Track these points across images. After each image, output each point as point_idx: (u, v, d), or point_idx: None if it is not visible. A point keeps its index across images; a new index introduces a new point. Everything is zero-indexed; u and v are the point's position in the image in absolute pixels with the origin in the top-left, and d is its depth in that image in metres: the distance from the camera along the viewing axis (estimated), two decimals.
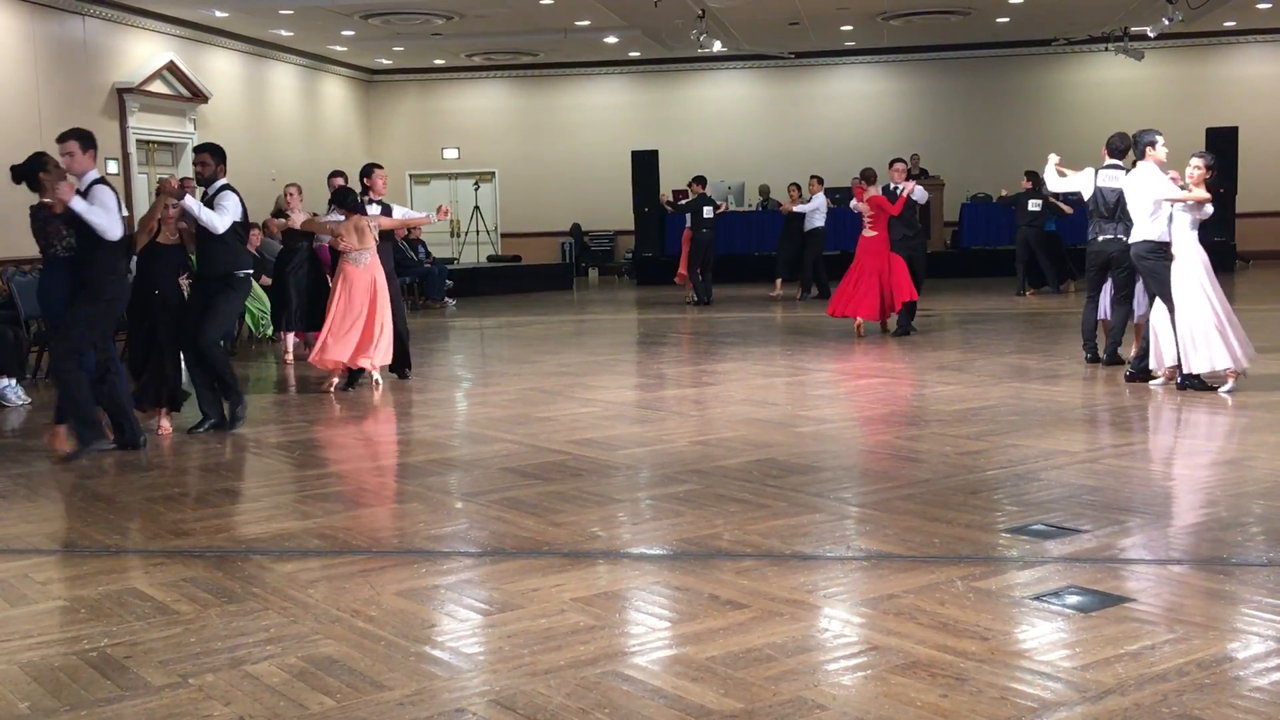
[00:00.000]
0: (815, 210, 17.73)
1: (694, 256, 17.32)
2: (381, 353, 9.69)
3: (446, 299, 18.73)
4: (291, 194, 12.04)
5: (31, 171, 7.46)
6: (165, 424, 8.02)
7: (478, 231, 23.98)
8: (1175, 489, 5.79)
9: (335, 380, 9.83)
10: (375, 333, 9.61)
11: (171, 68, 17.30)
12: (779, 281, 18.17)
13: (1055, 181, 10.31)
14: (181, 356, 8.06)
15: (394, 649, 3.88)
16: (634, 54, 23.60)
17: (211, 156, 8.25)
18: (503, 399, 9.26)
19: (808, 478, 6.21)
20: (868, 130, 23.54)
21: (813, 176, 18.16)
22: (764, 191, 22.89)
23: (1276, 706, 3.28)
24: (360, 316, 9.57)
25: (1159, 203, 8.76)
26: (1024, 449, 6.98)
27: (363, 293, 9.60)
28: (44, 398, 10.02)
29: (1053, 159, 10.24)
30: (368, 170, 10.33)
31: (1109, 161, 9.77)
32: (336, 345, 9.53)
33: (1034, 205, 17.12)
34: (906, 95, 24.28)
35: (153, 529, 5.55)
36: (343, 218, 9.86)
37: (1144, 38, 19.98)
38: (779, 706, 3.35)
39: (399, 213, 10.68)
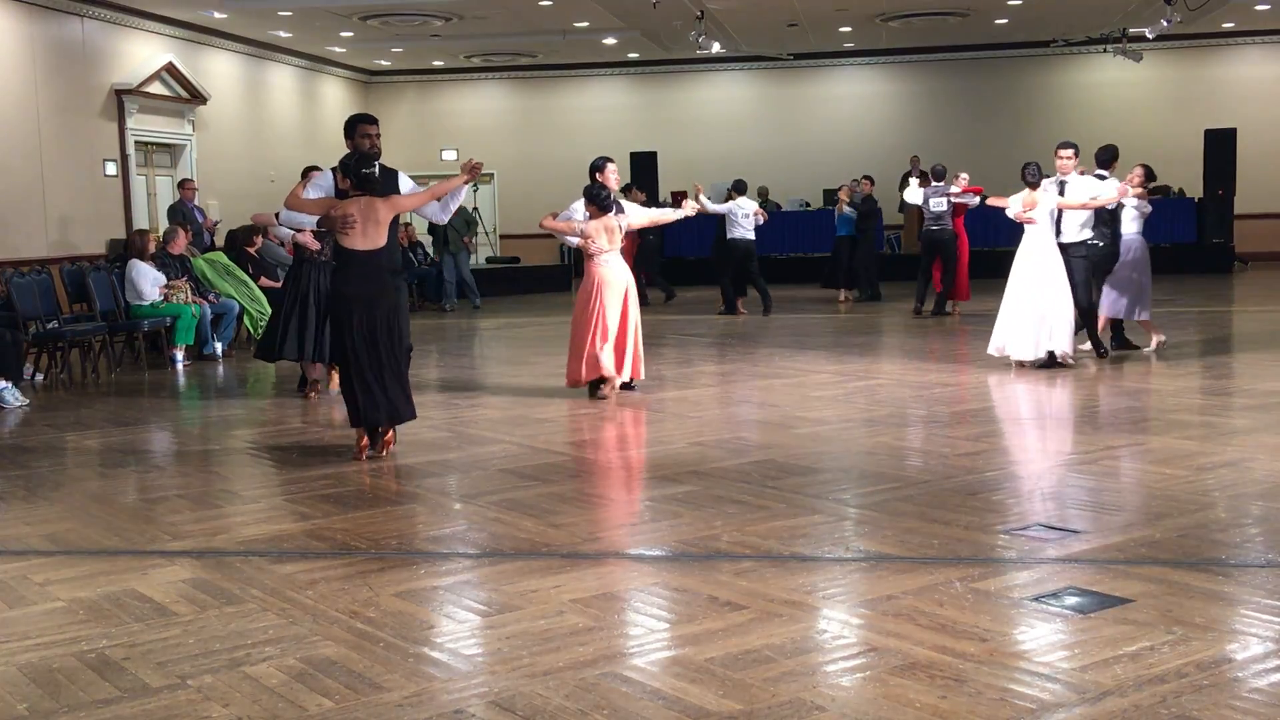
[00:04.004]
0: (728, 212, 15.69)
1: (639, 261, 17.38)
2: (638, 363, 9.10)
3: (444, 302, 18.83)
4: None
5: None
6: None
7: (477, 233, 23.92)
8: (1174, 490, 5.79)
9: (611, 387, 9.00)
10: (634, 340, 9.03)
11: (170, 69, 17.29)
12: (740, 300, 16.12)
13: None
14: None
15: (393, 650, 3.88)
16: (633, 55, 23.60)
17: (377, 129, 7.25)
18: (501, 400, 9.26)
19: (806, 479, 6.21)
20: (867, 131, 23.54)
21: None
22: (763, 193, 22.89)
23: (1275, 708, 3.28)
24: (617, 322, 8.90)
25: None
26: (1022, 450, 6.98)
27: (618, 298, 8.91)
28: (41, 400, 10.02)
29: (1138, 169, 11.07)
30: (600, 165, 9.19)
31: (1097, 171, 10.62)
32: (603, 354, 8.82)
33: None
34: (905, 97, 24.28)
35: (151, 530, 5.55)
36: (585, 216, 9.03)
37: (1142, 39, 19.98)
38: (778, 708, 3.35)
39: (643, 211, 9.99)
